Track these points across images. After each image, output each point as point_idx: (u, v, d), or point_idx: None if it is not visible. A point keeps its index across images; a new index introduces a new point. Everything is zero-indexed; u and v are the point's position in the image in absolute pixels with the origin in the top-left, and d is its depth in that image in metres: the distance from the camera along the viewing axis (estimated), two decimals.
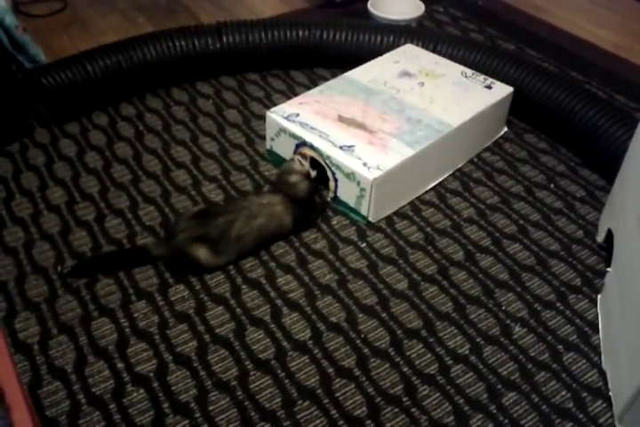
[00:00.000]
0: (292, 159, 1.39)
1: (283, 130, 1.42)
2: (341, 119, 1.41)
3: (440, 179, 1.48)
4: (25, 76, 1.63)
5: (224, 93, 1.76)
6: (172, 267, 1.25)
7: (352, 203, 1.36)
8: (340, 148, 1.33)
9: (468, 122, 1.43)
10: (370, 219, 1.36)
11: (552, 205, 1.42)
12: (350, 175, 1.31)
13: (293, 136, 1.40)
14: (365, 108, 1.45)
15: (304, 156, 1.38)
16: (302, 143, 1.38)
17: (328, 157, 1.34)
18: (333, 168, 1.34)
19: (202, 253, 1.22)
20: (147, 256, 1.25)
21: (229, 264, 1.26)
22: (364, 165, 1.30)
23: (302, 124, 1.40)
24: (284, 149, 1.45)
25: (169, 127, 1.64)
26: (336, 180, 1.36)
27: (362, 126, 1.39)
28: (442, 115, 1.43)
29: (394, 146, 1.34)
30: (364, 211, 1.35)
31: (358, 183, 1.31)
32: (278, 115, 1.43)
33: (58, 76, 1.57)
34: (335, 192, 1.38)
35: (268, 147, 1.52)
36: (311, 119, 1.41)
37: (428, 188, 1.45)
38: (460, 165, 1.52)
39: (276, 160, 1.50)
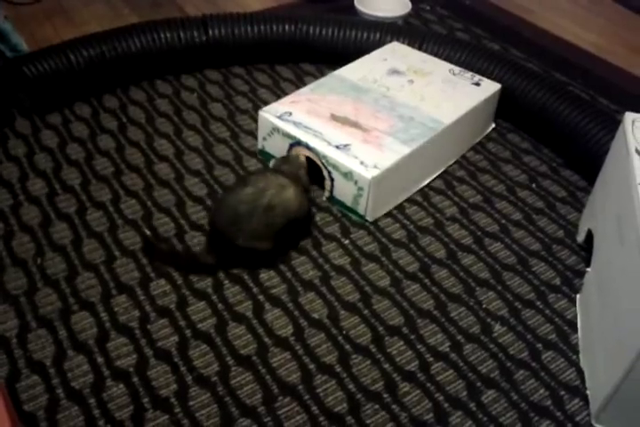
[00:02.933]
0: (297, 155, 1.35)
1: (276, 129, 1.40)
2: (334, 118, 1.40)
3: (434, 175, 1.48)
4: (6, 65, 1.60)
5: (208, 87, 1.75)
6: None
7: (349, 202, 1.35)
8: (336, 147, 1.33)
9: (459, 119, 1.44)
10: (367, 218, 1.35)
11: (533, 204, 1.44)
12: (347, 174, 1.30)
13: (287, 136, 1.38)
14: (357, 106, 1.45)
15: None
16: (297, 143, 1.37)
17: (324, 157, 1.33)
18: (330, 167, 1.33)
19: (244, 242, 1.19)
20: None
21: None
22: (362, 163, 1.29)
23: (296, 124, 1.38)
24: (277, 148, 1.43)
25: (152, 120, 1.62)
26: (332, 179, 1.35)
27: (355, 125, 1.39)
28: (433, 112, 1.44)
29: (389, 144, 1.34)
30: (361, 210, 1.34)
31: (356, 182, 1.30)
32: (271, 114, 1.41)
33: (40, 66, 1.55)
34: (331, 191, 1.38)
35: (259, 146, 1.50)
36: (304, 118, 1.40)
37: (422, 185, 1.46)
38: (452, 161, 1.53)
39: (269, 160, 1.48)
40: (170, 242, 1.29)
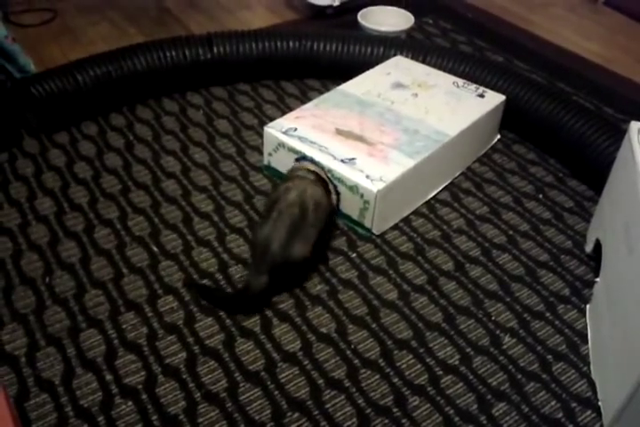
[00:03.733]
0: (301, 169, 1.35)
1: (282, 145, 1.41)
2: (339, 132, 1.41)
3: (440, 188, 1.48)
4: (14, 85, 1.63)
5: (214, 104, 1.76)
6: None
7: (355, 216, 1.35)
8: (342, 161, 1.33)
9: (464, 131, 1.44)
10: (374, 231, 1.35)
11: (541, 215, 1.43)
12: (353, 188, 1.31)
13: (293, 151, 1.39)
14: (362, 120, 1.46)
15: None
16: (302, 157, 1.37)
17: (330, 171, 1.33)
18: (335, 181, 1.33)
19: (298, 250, 1.18)
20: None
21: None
22: (367, 177, 1.29)
23: (301, 139, 1.39)
24: (283, 163, 1.43)
25: (159, 137, 1.63)
26: (338, 193, 1.35)
27: (360, 139, 1.40)
28: (438, 125, 1.44)
29: (394, 157, 1.35)
30: (367, 223, 1.34)
31: (362, 196, 1.30)
32: (276, 130, 1.42)
33: (47, 86, 1.57)
34: (337, 205, 1.38)
35: (265, 162, 1.51)
36: (309, 133, 1.41)
37: (428, 197, 1.46)
38: (458, 173, 1.53)
39: (275, 175, 1.49)
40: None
